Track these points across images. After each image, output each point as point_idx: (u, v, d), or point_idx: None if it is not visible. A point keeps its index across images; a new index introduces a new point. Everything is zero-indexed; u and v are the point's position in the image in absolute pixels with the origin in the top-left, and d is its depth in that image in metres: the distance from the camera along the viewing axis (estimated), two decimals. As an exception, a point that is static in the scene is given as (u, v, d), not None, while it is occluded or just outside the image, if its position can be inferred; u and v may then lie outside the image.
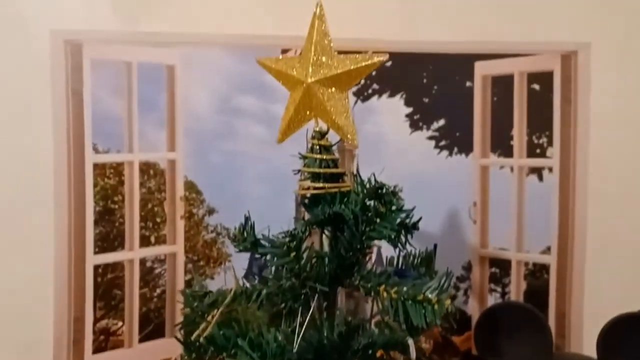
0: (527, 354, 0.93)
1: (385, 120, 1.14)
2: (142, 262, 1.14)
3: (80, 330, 1.12)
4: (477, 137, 1.15)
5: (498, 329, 0.95)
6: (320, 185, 0.62)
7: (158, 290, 1.14)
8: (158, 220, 1.13)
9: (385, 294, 0.54)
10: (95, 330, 1.12)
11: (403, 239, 0.59)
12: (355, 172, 0.65)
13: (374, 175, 0.63)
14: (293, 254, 0.54)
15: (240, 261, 1.02)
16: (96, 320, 1.13)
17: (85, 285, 1.12)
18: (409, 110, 1.14)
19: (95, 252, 1.12)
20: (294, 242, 0.55)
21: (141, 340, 1.13)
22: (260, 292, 0.59)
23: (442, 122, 1.14)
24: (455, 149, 1.15)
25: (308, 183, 0.64)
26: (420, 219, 0.60)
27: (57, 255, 1.11)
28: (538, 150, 1.15)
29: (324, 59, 0.67)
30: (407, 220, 0.59)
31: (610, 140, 1.14)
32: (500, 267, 1.16)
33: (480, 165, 1.15)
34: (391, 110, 1.13)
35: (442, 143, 1.15)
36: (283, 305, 0.61)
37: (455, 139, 1.15)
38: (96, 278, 1.12)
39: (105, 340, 1.13)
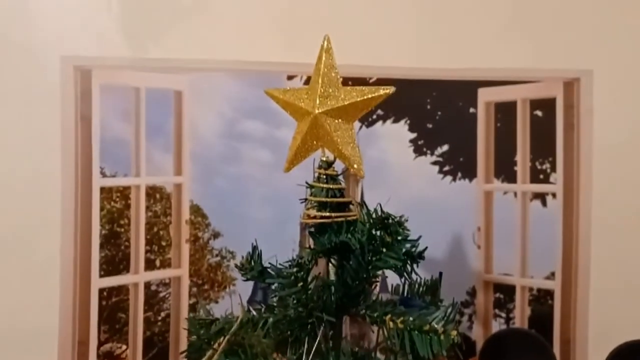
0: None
1: (390, 145, 1.14)
2: (147, 285, 1.14)
3: (85, 353, 1.12)
4: (481, 163, 1.15)
5: (502, 356, 0.95)
6: (327, 214, 0.63)
7: (162, 314, 1.14)
8: (163, 243, 1.14)
9: (391, 324, 0.54)
10: (100, 354, 1.13)
11: (409, 268, 0.59)
12: (360, 201, 0.66)
13: (380, 205, 0.64)
14: (300, 284, 0.54)
15: (244, 285, 1.02)
16: (100, 344, 1.13)
17: (90, 309, 1.12)
18: (413, 135, 1.15)
19: (101, 276, 1.13)
20: (301, 272, 0.56)
21: (145, 366, 1.13)
22: (267, 320, 0.59)
23: (445, 147, 1.15)
24: (459, 174, 1.16)
25: (314, 212, 0.65)
26: (425, 248, 0.60)
27: (62, 278, 1.12)
28: (541, 176, 1.16)
29: (331, 90, 0.68)
30: (413, 250, 0.59)
31: (613, 166, 1.15)
32: (504, 293, 1.16)
33: (484, 191, 1.16)
34: (395, 135, 1.14)
35: (446, 168, 1.15)
36: (289, 333, 0.61)
37: (459, 164, 1.15)
38: (101, 301, 1.13)
39: (110, 364, 1.13)
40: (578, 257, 1.15)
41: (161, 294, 1.14)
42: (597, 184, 1.14)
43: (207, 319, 0.62)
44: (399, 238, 0.58)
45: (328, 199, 0.65)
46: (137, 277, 1.13)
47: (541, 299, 1.16)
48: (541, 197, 1.16)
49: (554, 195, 1.15)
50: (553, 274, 1.15)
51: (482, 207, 1.16)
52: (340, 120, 0.67)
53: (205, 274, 1.14)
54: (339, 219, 0.60)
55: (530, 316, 1.15)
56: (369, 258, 0.57)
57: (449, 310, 0.54)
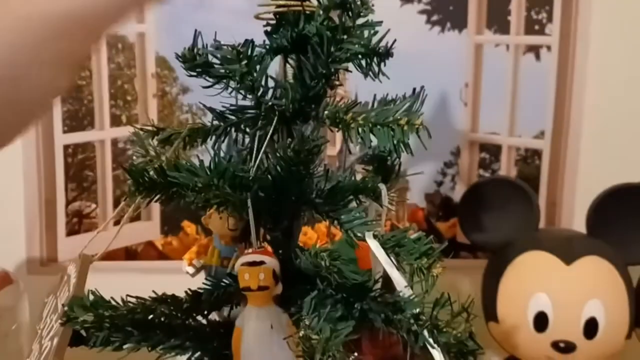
0: (512, 230, 0.90)
1: (374, -8, 1.04)
2: (114, 142, 1.08)
3: (52, 212, 1.08)
4: (472, 11, 1.06)
5: (483, 205, 0.91)
6: (282, 2, 0.54)
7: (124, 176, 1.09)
8: (129, 98, 1.07)
9: (352, 123, 0.48)
10: (68, 213, 1.09)
11: (375, 67, 0.52)
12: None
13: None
14: (245, 62, 0.47)
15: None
16: (68, 203, 1.09)
17: (55, 166, 1.07)
18: (399, -19, 1.05)
19: (64, 132, 1.07)
20: (247, 49, 0.48)
21: (116, 223, 1.09)
22: (218, 127, 0.53)
23: (435, -6, 1.05)
24: (448, 25, 1.06)
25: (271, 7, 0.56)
26: (394, 41, 0.53)
27: (23, 135, 1.05)
28: (537, 27, 1.07)
29: None
30: (378, 46, 0.51)
31: (614, 16, 1.06)
32: (490, 153, 1.11)
33: (475, 43, 1.07)
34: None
35: (434, 18, 1.06)
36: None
37: (449, 13, 1.06)
38: (66, 159, 1.07)
39: (79, 222, 1.09)
40: (570, 116, 1.08)
41: (129, 152, 1.09)
42: (596, 36, 1.06)
43: (153, 127, 0.56)
44: (361, 22, 0.50)
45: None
46: (103, 134, 1.07)
47: (528, 159, 1.11)
48: (535, 50, 1.07)
49: (548, 48, 1.07)
50: (542, 133, 1.09)
51: (472, 61, 1.08)
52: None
53: (176, 131, 1.08)
54: (296, 8, 0.52)
55: (516, 177, 1.10)
56: (329, 49, 0.50)
57: (413, 101, 0.48)
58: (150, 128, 0.56)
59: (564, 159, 1.10)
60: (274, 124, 0.49)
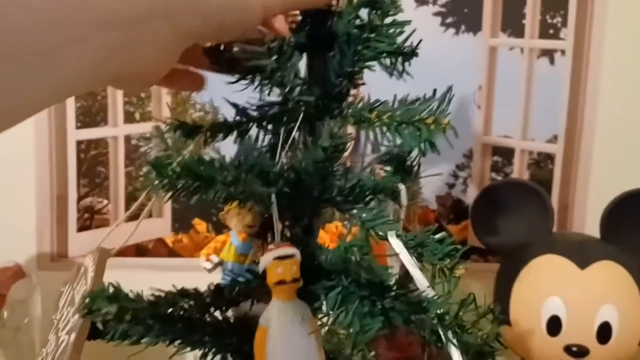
0: (526, 233, 0.90)
1: (389, -7, 1.04)
2: (127, 139, 1.08)
3: (64, 208, 1.08)
4: (487, 14, 1.06)
5: (496, 207, 0.91)
6: None
7: (145, 170, 1.09)
8: (143, 95, 1.07)
9: (376, 121, 0.48)
10: (80, 209, 1.09)
11: (399, 66, 0.52)
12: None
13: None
14: (274, 57, 0.47)
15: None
16: (80, 198, 1.09)
17: (67, 162, 1.07)
18: (415, -18, 1.05)
19: (77, 127, 1.07)
20: (279, 44, 0.48)
21: (127, 220, 1.09)
22: (240, 123, 0.53)
23: (450, -3, 1.05)
24: (463, 27, 1.06)
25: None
26: (420, 41, 0.53)
27: (36, 130, 1.06)
28: (551, 31, 1.07)
29: None
30: (403, 45, 0.51)
31: (629, 21, 1.06)
32: (502, 156, 1.11)
33: (489, 46, 1.07)
34: (395, -18, 1.04)
35: (449, 20, 1.06)
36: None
37: (464, 16, 1.06)
38: (79, 154, 1.07)
39: (90, 218, 1.09)
40: (583, 120, 1.08)
41: (142, 149, 1.09)
42: (610, 41, 1.06)
43: (176, 122, 0.55)
44: (389, 20, 0.50)
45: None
46: (116, 130, 1.07)
47: (541, 163, 1.11)
48: (549, 54, 1.07)
49: (562, 52, 1.07)
50: (556, 137, 1.09)
51: (486, 64, 1.08)
52: None
53: (189, 129, 1.08)
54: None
55: (529, 180, 1.09)
56: (356, 47, 0.50)
57: (441, 101, 0.48)
58: (171, 122, 0.56)
59: (577, 164, 1.09)
60: (299, 120, 0.49)
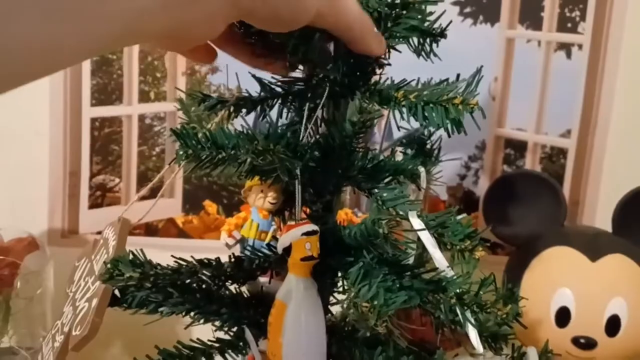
0: (538, 224, 0.90)
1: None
2: (141, 118, 1.08)
3: (76, 184, 1.09)
4: (506, 6, 1.06)
5: (509, 199, 0.91)
6: None
7: (157, 149, 1.09)
8: (158, 75, 1.07)
9: (403, 100, 0.48)
10: (92, 186, 1.09)
11: (427, 47, 0.52)
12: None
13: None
14: (297, 33, 0.47)
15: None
16: (92, 176, 1.09)
17: (81, 139, 1.07)
18: (435, -29, 1.04)
19: (92, 105, 1.07)
20: None
21: (140, 199, 1.10)
22: (266, 98, 0.53)
23: (469, -15, 1.05)
24: (481, 17, 1.06)
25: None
26: (450, 22, 0.53)
27: (51, 106, 1.06)
28: (569, 25, 1.06)
29: None
30: (430, 27, 0.51)
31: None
32: (515, 149, 1.11)
33: (506, 37, 1.07)
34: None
35: (467, 10, 1.06)
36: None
37: (482, 6, 1.06)
38: (93, 132, 1.08)
39: (102, 196, 1.10)
40: (598, 116, 1.08)
41: (156, 128, 1.09)
42: (628, 36, 1.06)
43: (200, 95, 0.55)
44: None
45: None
46: (130, 109, 1.08)
47: (553, 158, 1.10)
48: (566, 47, 1.07)
49: (580, 46, 1.07)
50: (569, 131, 1.09)
51: (502, 56, 1.07)
52: None
53: (203, 110, 1.08)
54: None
55: (541, 173, 1.09)
56: (386, 24, 0.50)
57: (470, 81, 0.48)
58: (196, 95, 0.56)
59: (589, 159, 1.09)
60: (324, 96, 0.49)
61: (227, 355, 0.55)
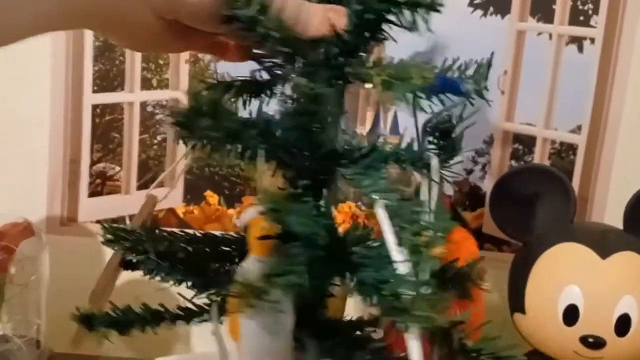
0: (546, 220, 0.88)
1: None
2: (143, 106, 1.06)
3: (76, 172, 1.07)
4: (517, -3, 1.04)
5: (517, 192, 0.89)
6: None
7: (159, 138, 1.08)
8: (161, 62, 1.05)
9: (377, 76, 0.46)
10: (92, 173, 1.07)
11: (421, 21, 0.49)
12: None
13: None
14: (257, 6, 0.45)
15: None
16: (93, 163, 1.07)
17: (82, 126, 1.06)
18: (445, -39, 1.02)
19: (94, 91, 1.05)
20: None
21: (139, 188, 1.08)
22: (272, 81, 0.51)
23: (478, -23, 1.03)
24: (491, 9, 1.04)
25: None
26: None
27: (53, 92, 1.04)
28: (582, 18, 1.04)
29: None
30: None
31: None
32: (523, 144, 1.08)
33: (517, 30, 1.05)
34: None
35: (477, 1, 1.04)
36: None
37: (493, -3, 1.04)
38: (94, 119, 1.06)
39: (102, 184, 1.08)
40: (609, 111, 1.06)
41: (158, 116, 1.07)
42: (643, 31, 1.03)
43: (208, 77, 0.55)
44: None
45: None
46: (132, 96, 1.06)
47: (563, 154, 1.08)
48: (578, 41, 1.05)
49: (592, 40, 1.04)
50: (579, 127, 1.07)
51: (512, 49, 1.05)
52: None
53: (206, 99, 1.06)
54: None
55: (550, 169, 1.07)
56: None
57: (484, 65, 0.46)
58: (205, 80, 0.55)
59: (599, 155, 1.07)
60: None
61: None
